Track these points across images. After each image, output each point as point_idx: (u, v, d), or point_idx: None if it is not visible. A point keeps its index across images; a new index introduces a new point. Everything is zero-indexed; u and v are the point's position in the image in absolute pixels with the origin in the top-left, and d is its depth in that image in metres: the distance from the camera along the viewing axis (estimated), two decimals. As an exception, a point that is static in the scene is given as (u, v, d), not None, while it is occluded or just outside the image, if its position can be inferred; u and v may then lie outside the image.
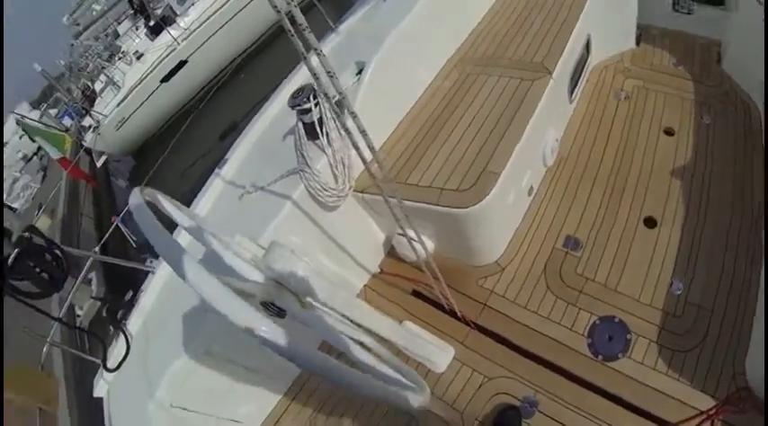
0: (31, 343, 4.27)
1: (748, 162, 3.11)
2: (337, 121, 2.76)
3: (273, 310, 1.88)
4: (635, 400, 2.33)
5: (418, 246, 2.85)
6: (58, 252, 3.08)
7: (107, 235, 4.04)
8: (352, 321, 2.28)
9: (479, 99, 3.16)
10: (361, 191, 2.93)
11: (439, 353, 2.75)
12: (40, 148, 20.62)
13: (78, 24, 20.15)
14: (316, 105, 2.66)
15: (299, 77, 3.75)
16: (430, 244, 2.97)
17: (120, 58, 14.75)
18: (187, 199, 4.12)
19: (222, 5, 13.66)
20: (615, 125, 3.53)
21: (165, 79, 13.26)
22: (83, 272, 3.56)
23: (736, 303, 2.54)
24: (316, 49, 1.41)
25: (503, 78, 3.23)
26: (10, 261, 2.81)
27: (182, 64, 13.34)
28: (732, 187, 2.98)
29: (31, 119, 13.12)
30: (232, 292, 1.32)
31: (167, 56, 13.16)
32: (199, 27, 13.32)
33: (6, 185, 20.26)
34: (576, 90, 3.61)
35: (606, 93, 3.77)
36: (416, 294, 3.14)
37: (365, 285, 3.31)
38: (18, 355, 2.91)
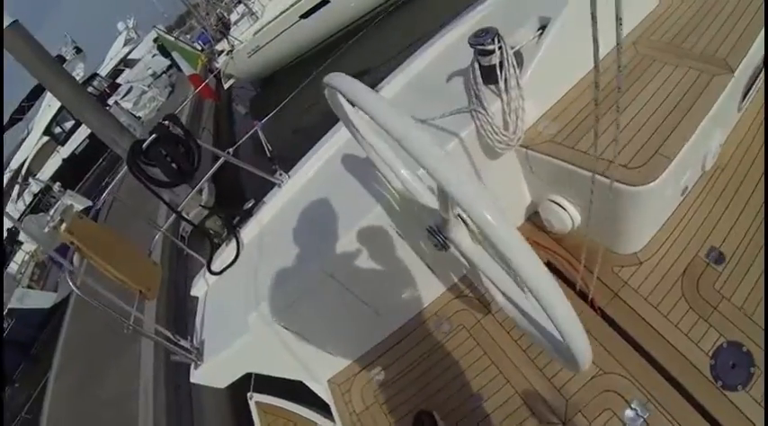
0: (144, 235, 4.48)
1: None
2: (518, 70, 2.69)
3: (439, 240, 1.82)
4: None
5: (567, 216, 2.88)
6: (192, 145, 3.10)
7: (243, 139, 4.01)
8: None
9: (655, 83, 2.99)
10: (526, 147, 2.86)
11: None
12: (170, 67, 22.05)
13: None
14: (499, 49, 2.59)
15: (470, 22, 3.67)
16: (577, 218, 2.91)
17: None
18: (309, 134, 4.04)
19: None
20: None
21: (305, 16, 13.50)
22: (210, 171, 3.57)
23: None
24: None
25: (680, 67, 3.05)
26: (145, 145, 2.91)
27: (323, 2, 13.50)
28: None
29: (169, 35, 13.86)
30: (446, 154, 1.19)
31: (309, -7, 13.32)
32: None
33: (134, 96, 21.82)
34: (748, 97, 3.37)
35: None
36: (549, 266, 3.03)
37: None
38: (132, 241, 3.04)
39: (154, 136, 2.93)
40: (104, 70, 25.25)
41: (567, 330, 1.19)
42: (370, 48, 12.83)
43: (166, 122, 3.04)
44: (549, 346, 1.63)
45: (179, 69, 12.62)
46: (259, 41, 13.61)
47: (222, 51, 14.18)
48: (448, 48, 3.57)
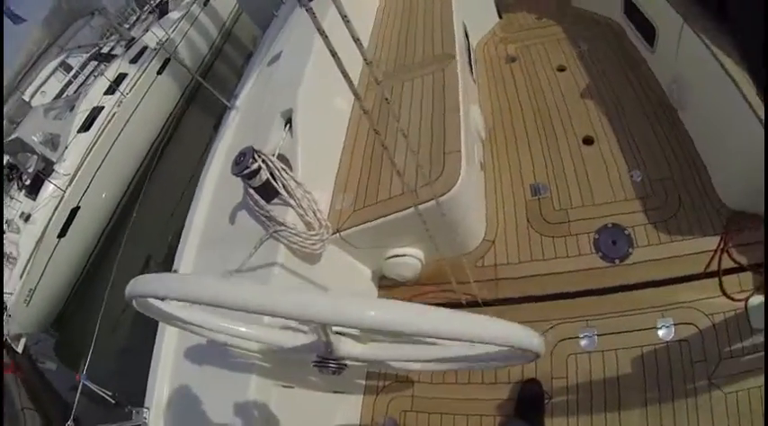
0: None
1: (633, 64, 3.93)
2: (289, 172, 2.80)
3: (332, 366, 1.82)
4: (663, 275, 2.74)
5: (412, 258, 3.08)
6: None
7: (77, 399, 3.71)
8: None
9: (405, 102, 3.41)
10: (338, 231, 3.00)
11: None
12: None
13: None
14: (263, 162, 2.69)
15: (221, 154, 3.78)
16: (420, 254, 3.13)
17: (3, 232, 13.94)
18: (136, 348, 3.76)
19: (97, 137, 13.38)
20: (518, 82, 4.23)
21: (62, 233, 12.72)
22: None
23: (684, 158, 3.20)
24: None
25: (417, 78, 3.54)
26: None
27: (74, 212, 12.90)
28: (632, 87, 3.73)
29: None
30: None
31: (57, 207, 12.60)
32: (81, 167, 12.91)
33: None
34: (473, 71, 4.16)
35: (498, 62, 4.43)
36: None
37: None
38: None
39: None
40: None
41: (504, 334, 1.29)
42: (151, 221, 12.44)
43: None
44: (497, 363, 1.73)
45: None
46: (30, 283, 12.43)
47: (-4, 314, 12.65)
48: (217, 188, 3.61)
